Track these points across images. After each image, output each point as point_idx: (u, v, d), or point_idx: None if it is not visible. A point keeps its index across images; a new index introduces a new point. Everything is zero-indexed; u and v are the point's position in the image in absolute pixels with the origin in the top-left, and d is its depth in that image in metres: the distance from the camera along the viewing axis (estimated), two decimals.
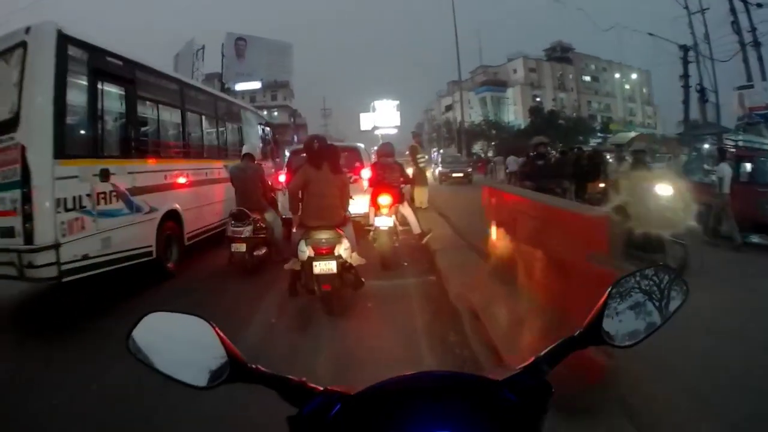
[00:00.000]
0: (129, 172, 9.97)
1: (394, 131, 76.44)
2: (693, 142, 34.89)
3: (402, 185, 12.40)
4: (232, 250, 10.98)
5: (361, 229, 11.46)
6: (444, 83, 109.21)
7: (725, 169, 13.49)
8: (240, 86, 75.04)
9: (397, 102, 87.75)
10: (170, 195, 11.62)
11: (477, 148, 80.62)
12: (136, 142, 10.59)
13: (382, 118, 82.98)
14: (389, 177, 11.79)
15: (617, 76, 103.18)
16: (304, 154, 8.62)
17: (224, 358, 1.41)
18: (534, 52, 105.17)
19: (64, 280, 8.15)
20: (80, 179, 8.58)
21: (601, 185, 21.40)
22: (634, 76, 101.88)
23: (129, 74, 10.47)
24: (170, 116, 12.83)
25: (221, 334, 1.43)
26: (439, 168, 45.35)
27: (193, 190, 12.88)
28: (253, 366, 1.44)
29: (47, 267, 7.85)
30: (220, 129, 16.21)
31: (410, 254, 12.39)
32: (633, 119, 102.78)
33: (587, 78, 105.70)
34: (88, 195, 8.69)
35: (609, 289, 1.52)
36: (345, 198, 8.41)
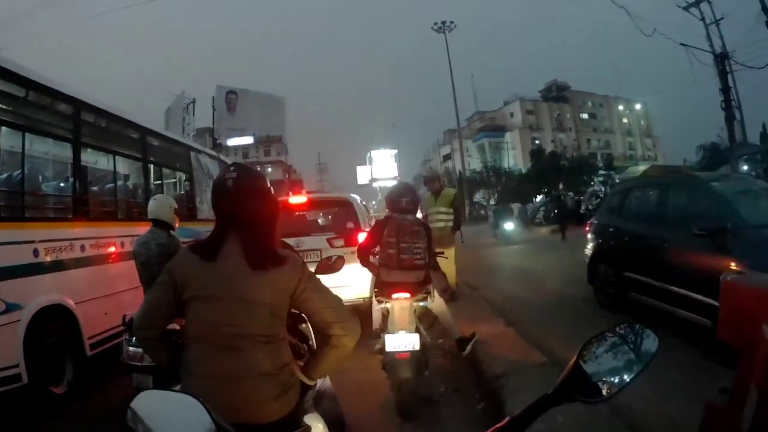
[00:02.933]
0: None
1: (393, 183, 73.64)
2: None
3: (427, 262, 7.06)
4: (134, 383, 6.37)
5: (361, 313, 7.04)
6: (440, 132, 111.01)
7: None
8: (232, 141, 74.24)
9: (395, 151, 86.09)
10: (49, 281, 7.44)
11: (479, 196, 78.76)
12: None
13: (380, 169, 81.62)
14: (410, 250, 6.75)
15: (620, 107, 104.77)
16: None
17: (211, 428, 1.58)
18: (529, 94, 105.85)
19: None
20: None
21: None
22: (637, 106, 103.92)
23: None
24: (50, 152, 8.62)
25: (210, 411, 1.59)
26: None
27: (98, 270, 8.58)
28: None
29: None
30: (153, 178, 11.68)
31: (446, 378, 7.55)
32: (633, 153, 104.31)
33: (584, 116, 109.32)
34: None
35: (579, 350, 1.63)
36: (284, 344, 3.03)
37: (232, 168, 3.20)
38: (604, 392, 1.58)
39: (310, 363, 3.10)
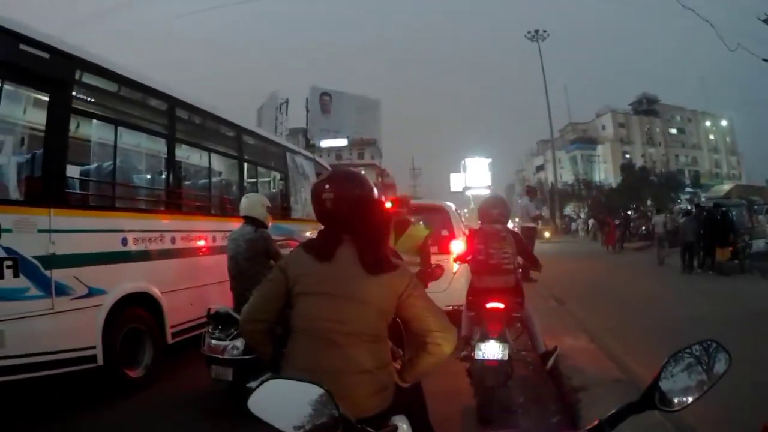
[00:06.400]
0: (41, 230, 6.17)
1: (486, 192, 71.81)
2: None
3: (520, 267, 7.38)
4: (213, 375, 6.60)
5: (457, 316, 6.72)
6: (534, 141, 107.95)
7: None
8: (325, 143, 73.69)
9: (489, 160, 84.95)
10: (136, 269, 7.56)
11: (569, 209, 77.55)
12: (57, 180, 6.62)
13: (474, 177, 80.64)
14: (498, 255, 6.86)
15: (707, 124, 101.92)
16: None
17: (336, 418, 1.71)
18: (620, 106, 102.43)
19: None
20: None
21: (730, 249, 17.96)
22: (723, 122, 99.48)
23: (55, 71, 6.61)
24: (145, 146, 8.76)
25: (333, 397, 1.72)
26: None
27: (187, 262, 8.67)
28: (360, 426, 1.83)
29: None
30: (247, 176, 11.64)
31: (526, 389, 7.30)
32: (719, 170, 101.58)
33: (673, 130, 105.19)
34: None
35: (664, 362, 1.74)
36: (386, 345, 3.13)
37: (326, 184, 3.19)
38: (677, 405, 1.72)
39: (406, 366, 3.16)
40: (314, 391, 1.73)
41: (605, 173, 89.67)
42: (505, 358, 6.25)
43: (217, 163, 10.87)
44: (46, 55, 6.43)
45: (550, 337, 7.99)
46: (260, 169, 12.49)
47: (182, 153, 9.37)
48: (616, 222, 38.52)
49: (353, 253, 3.01)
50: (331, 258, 3.01)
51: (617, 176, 79.83)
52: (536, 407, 6.80)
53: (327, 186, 3.14)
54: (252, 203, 7.51)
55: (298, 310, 3.01)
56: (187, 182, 9.76)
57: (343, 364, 2.87)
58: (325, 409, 1.71)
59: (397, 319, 3.21)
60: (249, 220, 7.34)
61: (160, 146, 8.69)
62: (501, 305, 6.49)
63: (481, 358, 6.27)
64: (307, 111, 65.49)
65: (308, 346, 2.93)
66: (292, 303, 3.04)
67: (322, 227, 3.20)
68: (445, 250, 9.68)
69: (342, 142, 78.81)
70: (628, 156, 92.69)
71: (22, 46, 6.17)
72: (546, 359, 7.25)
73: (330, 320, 2.91)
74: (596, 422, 1.68)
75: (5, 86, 6.14)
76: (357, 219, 3.08)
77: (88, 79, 7.25)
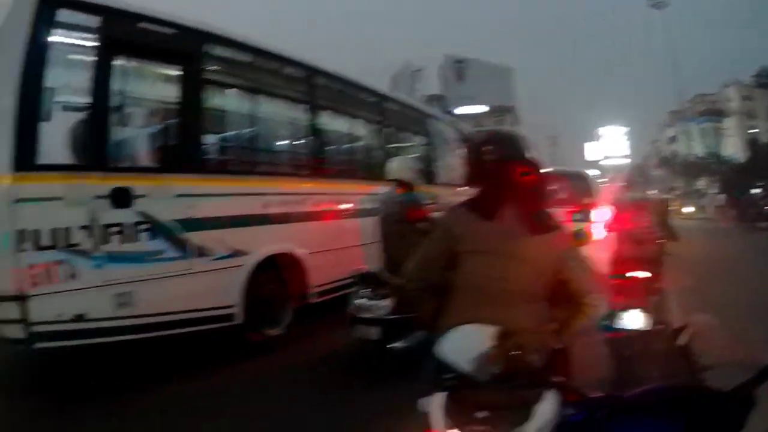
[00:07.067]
0: (178, 195, 6.32)
1: (625, 161, 69.59)
2: None
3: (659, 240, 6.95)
4: (357, 334, 6.44)
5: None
6: (665, 110, 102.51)
7: None
8: (461, 110, 72.33)
9: (627, 129, 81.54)
10: (279, 231, 7.62)
11: (700, 184, 74.15)
12: (194, 147, 6.81)
13: (610, 146, 77.62)
14: (642, 224, 6.68)
15: None
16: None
17: (511, 356, 1.94)
18: (741, 77, 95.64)
19: (41, 345, 5.31)
20: (68, 203, 5.36)
21: None
22: None
23: (184, 46, 6.75)
24: (280, 112, 8.64)
25: (511, 336, 2.01)
26: None
27: (330, 225, 8.66)
28: (532, 369, 2.05)
29: (10, 324, 5.13)
30: (390, 141, 11.29)
31: (659, 362, 6.34)
32: None
33: None
34: (84, 228, 5.45)
35: None
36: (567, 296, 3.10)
37: (488, 144, 3.21)
38: None
39: (562, 327, 3.09)
40: (491, 334, 1.95)
41: (733, 147, 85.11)
42: (646, 328, 6.04)
43: (359, 128, 10.72)
44: (178, 32, 6.61)
45: (683, 313, 7.34)
46: (402, 135, 12.28)
47: (322, 120, 9.21)
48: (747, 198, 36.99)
49: (515, 212, 2.96)
50: (494, 217, 2.97)
51: (745, 151, 75.51)
52: (666, 382, 6.25)
53: (489, 147, 3.16)
54: (401, 166, 7.25)
55: (463, 267, 2.96)
56: (329, 148, 9.63)
57: (503, 321, 2.67)
58: (502, 350, 1.88)
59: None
60: (398, 182, 7.04)
61: (298, 113, 8.71)
62: (645, 274, 6.32)
63: (621, 327, 5.99)
64: (444, 78, 64.84)
65: (470, 303, 2.88)
66: (455, 261, 2.98)
67: (470, 189, 3.19)
68: (587, 218, 9.84)
69: (480, 108, 77.06)
70: (756, 130, 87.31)
71: (154, 26, 6.34)
72: (679, 334, 6.66)
73: (494, 278, 2.88)
74: (741, 383, 1.70)
75: (143, 65, 6.43)
76: (518, 178, 2.98)
77: (219, 51, 7.36)
